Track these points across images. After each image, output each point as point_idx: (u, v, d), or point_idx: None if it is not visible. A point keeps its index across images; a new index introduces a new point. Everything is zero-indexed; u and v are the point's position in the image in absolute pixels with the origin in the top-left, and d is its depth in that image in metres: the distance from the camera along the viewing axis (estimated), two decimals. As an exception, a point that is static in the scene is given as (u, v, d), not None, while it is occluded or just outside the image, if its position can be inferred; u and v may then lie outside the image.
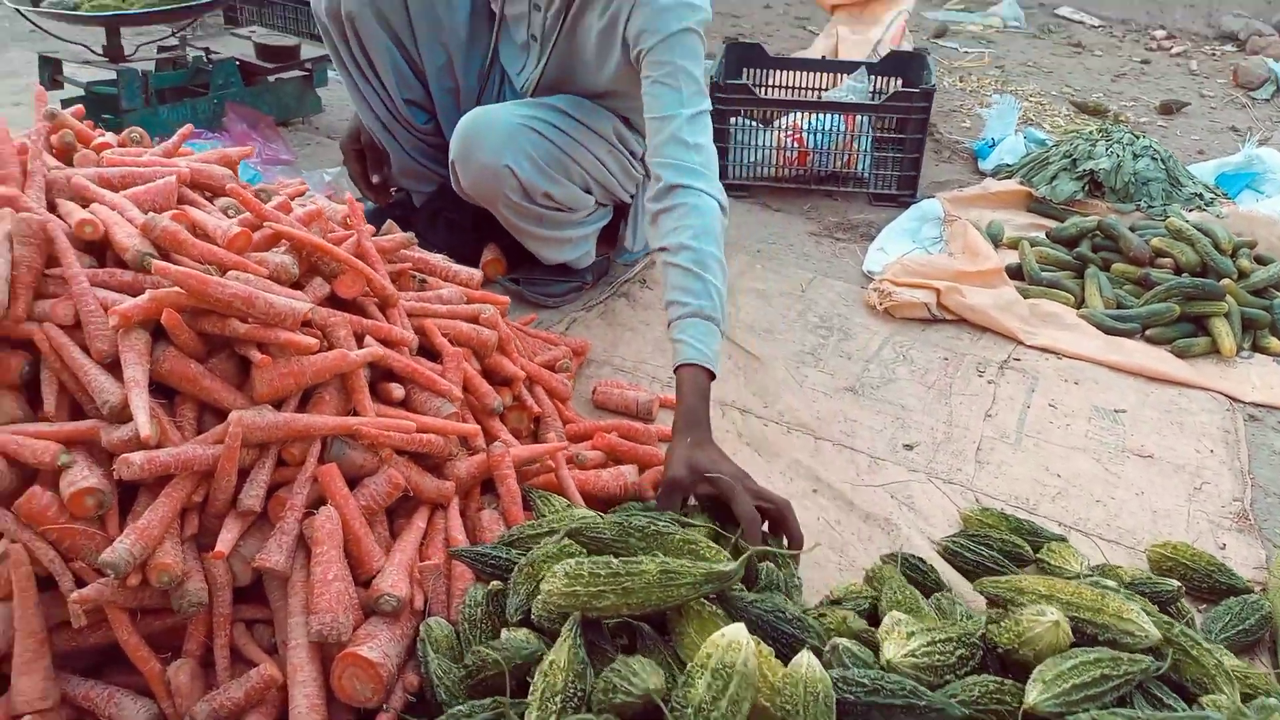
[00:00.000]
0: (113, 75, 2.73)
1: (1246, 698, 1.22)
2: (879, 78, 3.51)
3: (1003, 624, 1.06)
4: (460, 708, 1.05)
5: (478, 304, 1.71)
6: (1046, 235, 3.01)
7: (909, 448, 2.03)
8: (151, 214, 1.36)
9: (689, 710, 0.88)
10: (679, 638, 1.03)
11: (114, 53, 2.87)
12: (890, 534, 1.76)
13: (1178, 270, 2.71)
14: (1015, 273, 2.83)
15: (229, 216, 1.52)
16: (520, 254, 2.43)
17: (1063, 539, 1.73)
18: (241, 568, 1.26)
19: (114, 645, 1.21)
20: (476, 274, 1.82)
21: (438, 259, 1.81)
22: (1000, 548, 1.65)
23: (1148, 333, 2.55)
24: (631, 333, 2.36)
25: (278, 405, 1.34)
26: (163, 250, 1.37)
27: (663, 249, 1.77)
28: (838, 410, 2.14)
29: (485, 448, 1.54)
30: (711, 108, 1.97)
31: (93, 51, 2.93)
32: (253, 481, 1.27)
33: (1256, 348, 2.56)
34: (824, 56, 3.83)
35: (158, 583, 1.17)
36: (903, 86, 3.27)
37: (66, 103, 2.77)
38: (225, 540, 1.21)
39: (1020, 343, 2.49)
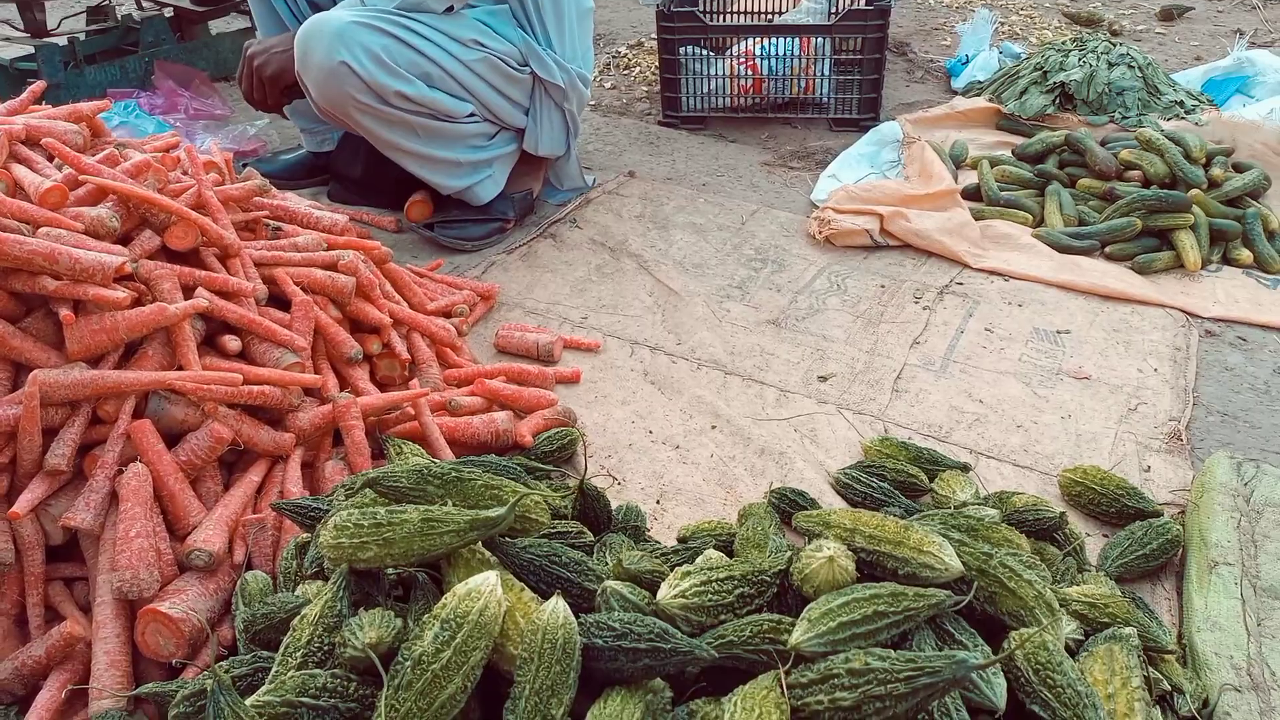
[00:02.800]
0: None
1: (1100, 629, 1.13)
2: (842, -2, 3.34)
3: (795, 561, 0.99)
4: (230, 660, 1.01)
5: (338, 250, 1.64)
6: (1011, 153, 2.85)
7: (823, 379, 1.94)
8: (-42, 171, 1.32)
9: (407, 664, 0.83)
10: (446, 587, 0.97)
11: (35, 28, 2.84)
12: (783, 468, 1.68)
13: (1146, 183, 2.54)
14: (974, 194, 2.69)
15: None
16: (449, 199, 2.36)
17: (965, 467, 1.64)
18: (53, 526, 1.23)
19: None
20: (340, 220, 1.75)
21: (303, 205, 1.75)
22: (894, 478, 1.57)
23: (1107, 249, 2.41)
24: (551, 274, 2.29)
25: (95, 363, 1.30)
26: (-27, 208, 1.32)
27: None
28: (754, 344, 2.04)
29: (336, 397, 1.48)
30: None
31: (14, 28, 2.90)
32: (60, 440, 1.23)
33: (1227, 260, 2.40)
34: (784, -22, 3.65)
35: (-47, 546, 1.15)
36: (864, 4, 3.11)
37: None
38: (24, 501, 1.18)
39: (966, 266, 2.36)
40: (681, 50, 3.10)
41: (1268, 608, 1.27)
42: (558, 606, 0.88)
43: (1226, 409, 1.88)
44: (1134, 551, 1.42)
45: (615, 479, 1.63)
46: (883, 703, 0.83)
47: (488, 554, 1.00)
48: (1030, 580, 0.99)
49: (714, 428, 1.79)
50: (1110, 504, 1.54)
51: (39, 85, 1.69)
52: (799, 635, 0.87)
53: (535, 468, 1.46)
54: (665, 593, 0.95)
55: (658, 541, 1.37)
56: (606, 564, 1.09)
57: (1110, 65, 3.00)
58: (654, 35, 3.99)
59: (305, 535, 1.23)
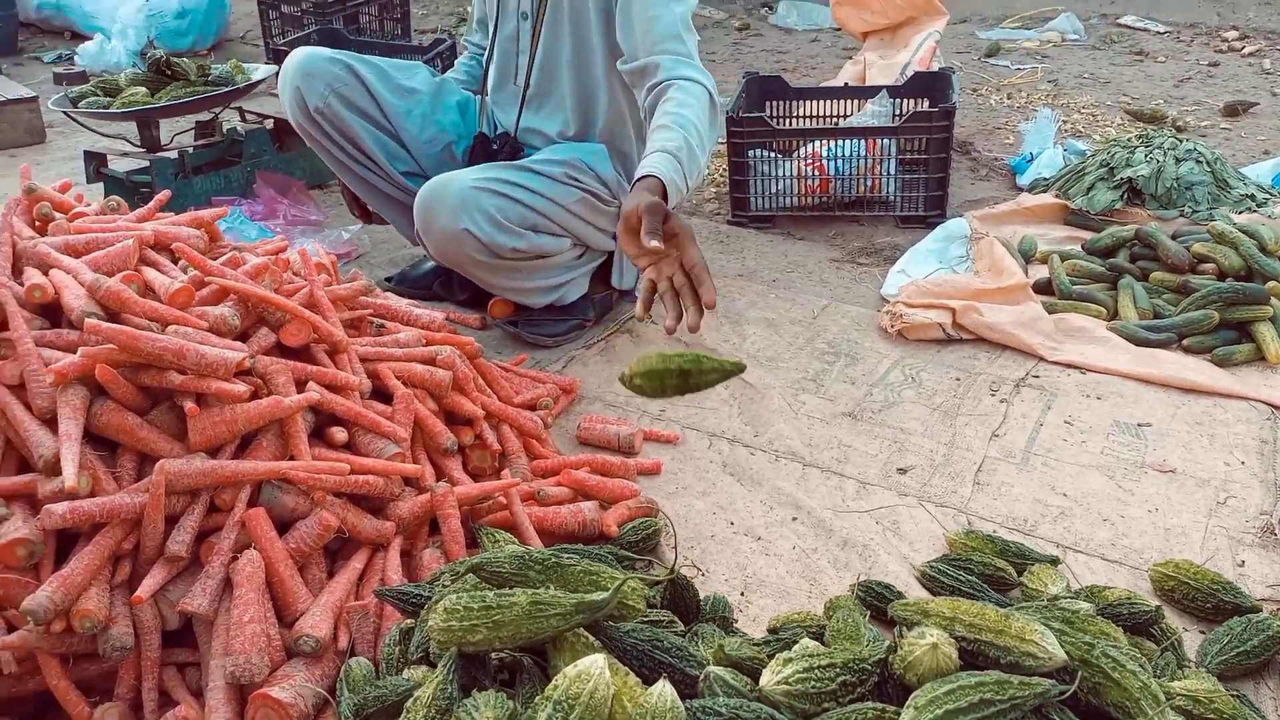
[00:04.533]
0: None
1: (1203, 725, 1.11)
2: (904, 100, 3.44)
3: (897, 649, 1.00)
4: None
5: (436, 345, 1.73)
6: (1081, 247, 2.87)
7: (903, 471, 1.95)
8: (98, 275, 1.44)
9: (524, 742, 0.86)
10: (552, 670, 1.00)
11: (150, 143, 3.06)
12: (867, 560, 1.68)
13: (1221, 276, 2.54)
14: (1046, 288, 2.70)
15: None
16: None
17: (1055, 560, 1.62)
18: (170, 612, 1.29)
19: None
20: (438, 317, 1.84)
21: (403, 304, 1.85)
22: (981, 571, 1.56)
23: (1185, 342, 2.39)
24: (629, 369, 2.35)
25: (214, 453, 1.38)
26: (110, 310, 1.43)
27: (654, 127, 1.92)
28: (832, 436, 2.07)
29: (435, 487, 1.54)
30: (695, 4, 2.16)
31: (130, 143, 3.14)
32: (180, 528, 1.31)
33: (1309, 351, 2.36)
34: (846, 83, 3.78)
35: (81, 628, 1.21)
36: (927, 107, 3.20)
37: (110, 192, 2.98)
38: (147, 586, 1.25)
39: (1042, 358, 2.37)
40: (750, 153, 3.21)
41: (1383, 709, 1.23)
42: (665, 690, 0.90)
43: (1321, 503, 1.83)
44: (1234, 648, 1.39)
45: (700, 569, 1.65)
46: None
47: (592, 638, 1.03)
48: (1134, 671, 0.99)
49: (795, 519, 1.80)
50: (1206, 599, 1.51)
51: (164, 194, 1.83)
52: (904, 723, 0.88)
53: (624, 556, 1.50)
54: (769, 679, 0.96)
55: (745, 632, 1.38)
56: (704, 651, 1.11)
57: (1178, 160, 3.03)
58: (722, 139, 4.15)
59: (408, 621, 1.27)
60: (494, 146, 2.48)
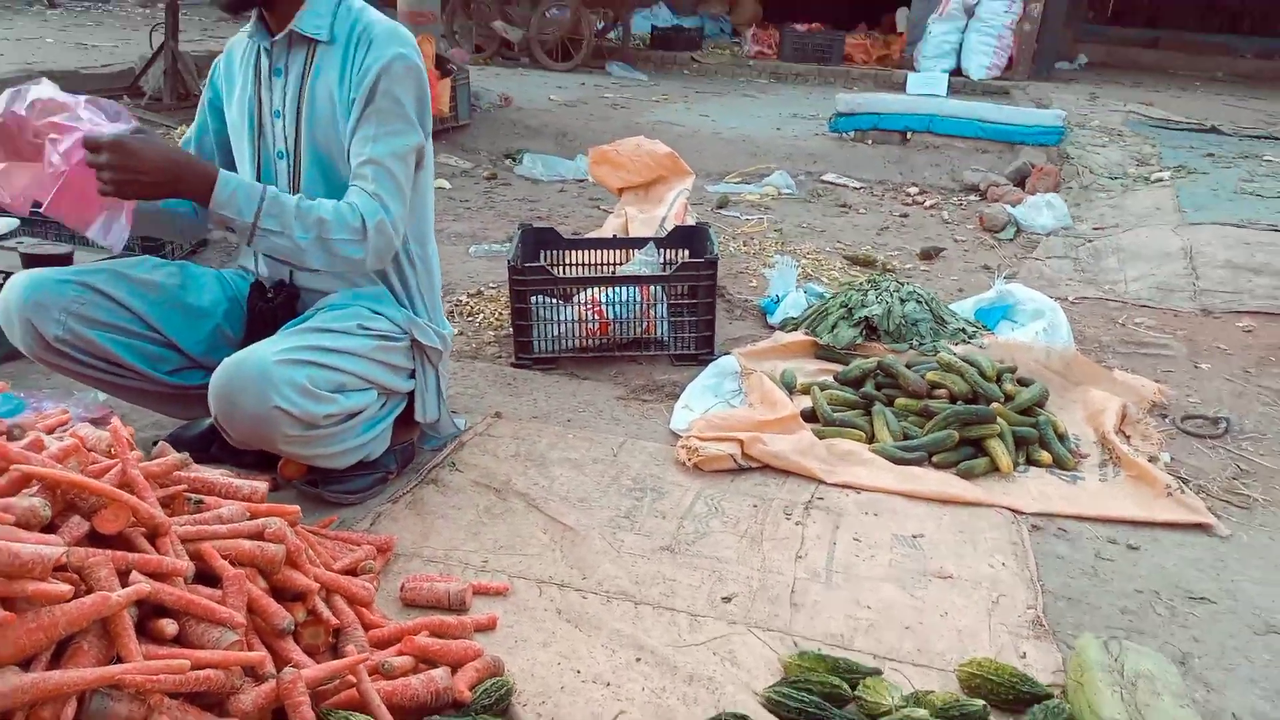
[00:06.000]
0: None
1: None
2: (668, 250, 3.73)
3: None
4: None
5: (262, 519, 1.63)
6: (834, 378, 3.21)
7: (727, 600, 2.05)
8: None
9: None
10: None
11: None
12: (714, 693, 1.74)
13: (952, 399, 2.94)
14: (810, 416, 2.99)
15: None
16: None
17: (877, 672, 1.77)
18: None
19: None
20: (260, 487, 1.75)
21: (218, 475, 1.73)
22: (820, 690, 1.68)
23: (934, 459, 2.73)
24: (443, 520, 2.31)
25: (26, 664, 1.22)
26: (-114, 507, 1.25)
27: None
28: (656, 572, 2.14)
29: (276, 674, 1.43)
30: (419, 141, 2.26)
31: None
32: (-7, 757, 1.13)
33: (1030, 461, 2.78)
34: (614, 235, 4.04)
35: None
36: (689, 257, 3.50)
37: None
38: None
39: (822, 481, 2.60)
40: (533, 299, 3.33)
41: (1165, 769, 1.45)
42: None
43: (1068, 594, 2.14)
44: (1040, 733, 1.58)
45: (557, 729, 1.64)
46: None
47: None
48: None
49: (639, 660, 1.84)
50: (1008, 691, 1.71)
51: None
52: None
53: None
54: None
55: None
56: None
57: (902, 301, 3.51)
58: (492, 284, 4.26)
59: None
60: (269, 298, 2.39)
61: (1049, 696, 1.69)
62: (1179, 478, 2.64)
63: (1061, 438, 2.83)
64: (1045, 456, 2.76)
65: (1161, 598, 2.14)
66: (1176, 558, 2.31)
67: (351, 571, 1.92)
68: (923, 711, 1.48)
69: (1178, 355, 3.62)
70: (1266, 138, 7.30)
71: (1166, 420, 3.05)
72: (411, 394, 2.48)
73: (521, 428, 2.86)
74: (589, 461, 2.66)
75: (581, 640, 1.89)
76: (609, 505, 2.43)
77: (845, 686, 1.69)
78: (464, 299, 4.06)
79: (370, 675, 1.58)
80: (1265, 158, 6.54)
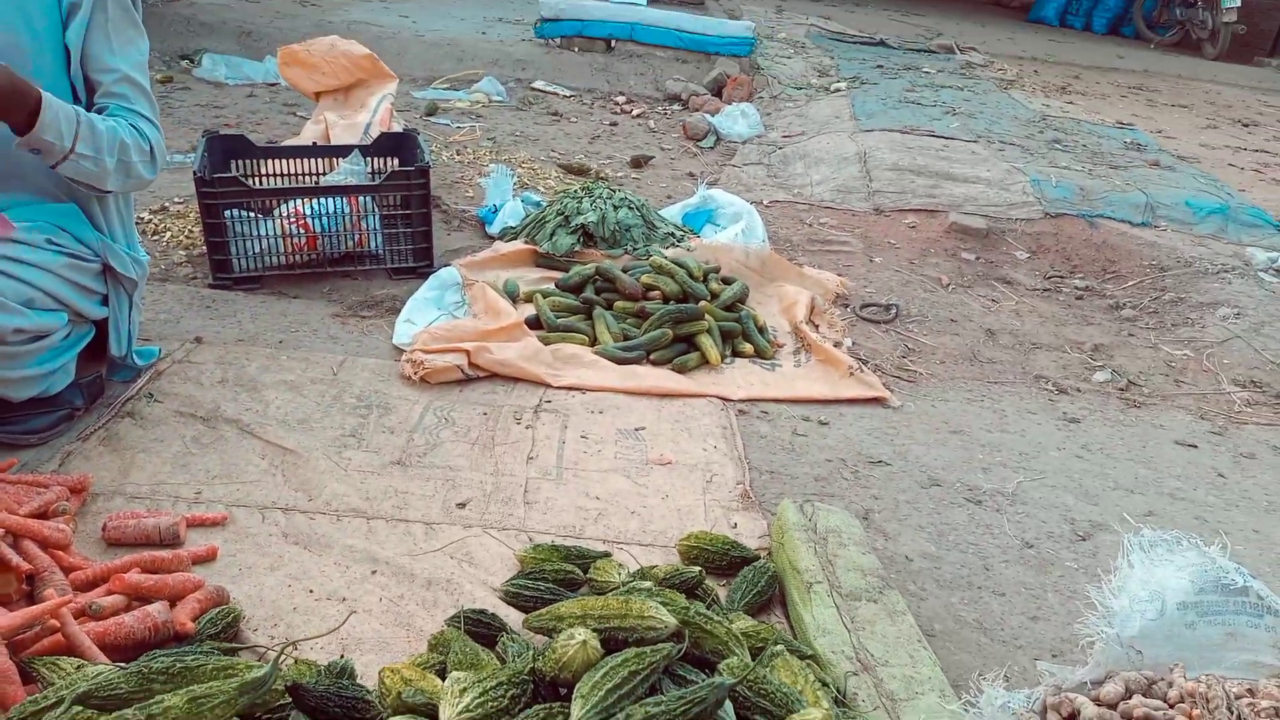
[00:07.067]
0: None
1: (758, 651, 1.43)
2: (375, 158, 3.57)
3: (545, 654, 1.13)
4: None
5: (-79, 464, 1.43)
6: (555, 285, 3.28)
7: (461, 506, 2.08)
8: None
9: None
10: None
11: None
12: (454, 594, 1.78)
13: (665, 299, 3.10)
14: (535, 323, 3.04)
15: None
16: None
17: (607, 555, 1.89)
18: None
19: None
20: (-84, 429, 1.52)
21: None
22: (554, 578, 1.76)
23: (652, 356, 2.89)
24: (144, 454, 2.13)
25: None
26: None
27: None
28: (387, 486, 2.12)
29: (-41, 630, 1.28)
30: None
31: None
32: None
33: (736, 353, 3.01)
34: (314, 143, 3.80)
35: None
36: (399, 165, 3.37)
37: None
38: None
39: (549, 385, 2.67)
40: (227, 214, 3.08)
41: (853, 609, 1.68)
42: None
43: (770, 467, 2.38)
44: (751, 590, 1.77)
45: (294, 645, 1.60)
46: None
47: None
48: (719, 620, 1.25)
49: (375, 572, 1.83)
50: (722, 558, 1.89)
51: None
52: (578, 712, 1.02)
53: (219, 649, 1.40)
54: (449, 712, 1.03)
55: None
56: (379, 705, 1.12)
57: (615, 208, 3.62)
58: (178, 199, 3.87)
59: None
60: None
61: (757, 558, 1.89)
62: (859, 359, 2.99)
63: (761, 330, 3.09)
64: (748, 348, 3.01)
65: (847, 464, 2.44)
66: (859, 429, 2.63)
67: (43, 515, 1.73)
68: (647, 583, 1.60)
69: (856, 251, 4.04)
70: (925, 50, 8.18)
71: (848, 309, 3.42)
72: (101, 325, 2.25)
73: (227, 352, 2.67)
74: (307, 383, 2.55)
75: (312, 560, 1.85)
76: (333, 425, 2.35)
77: (578, 571, 1.78)
78: (146, 215, 3.67)
79: (79, 618, 1.46)
80: (924, 70, 7.34)
